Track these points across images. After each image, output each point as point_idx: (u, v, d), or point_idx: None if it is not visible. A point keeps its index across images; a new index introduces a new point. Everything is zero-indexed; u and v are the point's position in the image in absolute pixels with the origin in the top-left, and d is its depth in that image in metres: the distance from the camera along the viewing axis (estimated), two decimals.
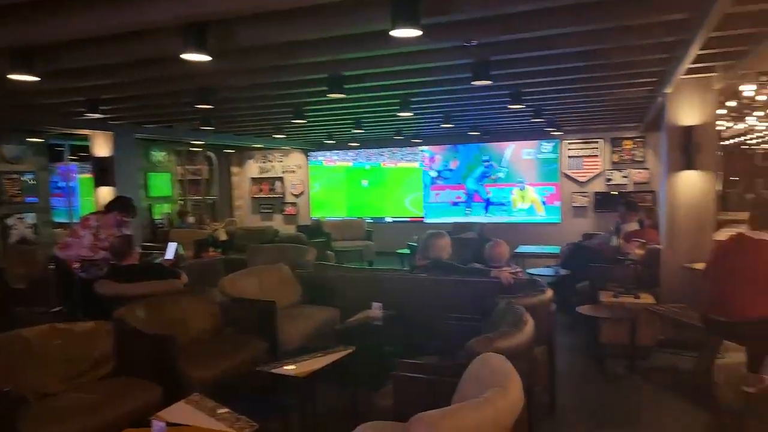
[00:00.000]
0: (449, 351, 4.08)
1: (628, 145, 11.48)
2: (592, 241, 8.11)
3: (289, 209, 14.19)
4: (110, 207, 5.80)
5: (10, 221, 8.98)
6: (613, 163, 11.59)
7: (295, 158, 14.17)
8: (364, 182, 13.59)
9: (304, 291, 5.77)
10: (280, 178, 14.29)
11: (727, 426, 3.99)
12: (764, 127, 13.29)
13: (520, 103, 6.44)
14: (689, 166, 5.50)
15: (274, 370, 3.64)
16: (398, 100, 6.91)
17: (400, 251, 10.00)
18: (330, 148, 13.53)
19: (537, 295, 4.29)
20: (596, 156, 11.66)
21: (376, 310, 5.00)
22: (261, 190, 14.50)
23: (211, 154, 13.95)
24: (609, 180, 11.57)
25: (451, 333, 4.20)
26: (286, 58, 4.82)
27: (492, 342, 3.00)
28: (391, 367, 3.58)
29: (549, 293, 4.39)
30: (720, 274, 4.26)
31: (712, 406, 4.37)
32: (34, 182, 9.38)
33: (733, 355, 5.12)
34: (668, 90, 5.58)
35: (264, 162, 14.47)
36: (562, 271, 7.19)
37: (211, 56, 3.78)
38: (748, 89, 7.17)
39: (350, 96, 5.99)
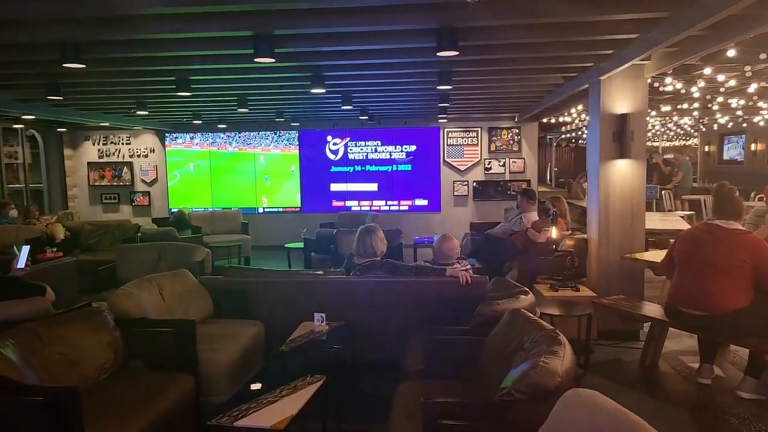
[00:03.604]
0: (437, 374, 3.41)
1: (504, 134, 11.66)
2: (495, 231, 7.91)
3: (140, 199, 12.31)
4: None
5: None
6: (491, 152, 11.71)
7: (147, 140, 12.30)
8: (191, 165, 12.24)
9: (214, 302, 4.68)
10: (129, 164, 12.32)
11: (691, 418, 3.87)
12: None
13: (450, 84, 5.89)
14: (623, 154, 5.39)
15: (238, 423, 2.66)
16: (311, 74, 5.96)
17: (290, 245, 8.99)
18: (192, 129, 11.94)
19: (523, 298, 3.76)
20: (475, 144, 11.68)
21: (320, 322, 4.15)
22: (103, 177, 12.39)
23: (35, 133, 11.58)
24: (488, 169, 11.67)
25: (436, 349, 3.52)
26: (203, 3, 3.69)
27: (554, 371, 2.37)
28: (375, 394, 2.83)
29: (531, 296, 3.90)
30: (689, 265, 4.11)
31: (665, 398, 4.28)
32: None
33: (668, 344, 5.13)
34: (602, 77, 5.42)
35: (106, 144, 12.37)
36: (476, 264, 6.85)
37: None
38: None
39: (269, 65, 4.91)
